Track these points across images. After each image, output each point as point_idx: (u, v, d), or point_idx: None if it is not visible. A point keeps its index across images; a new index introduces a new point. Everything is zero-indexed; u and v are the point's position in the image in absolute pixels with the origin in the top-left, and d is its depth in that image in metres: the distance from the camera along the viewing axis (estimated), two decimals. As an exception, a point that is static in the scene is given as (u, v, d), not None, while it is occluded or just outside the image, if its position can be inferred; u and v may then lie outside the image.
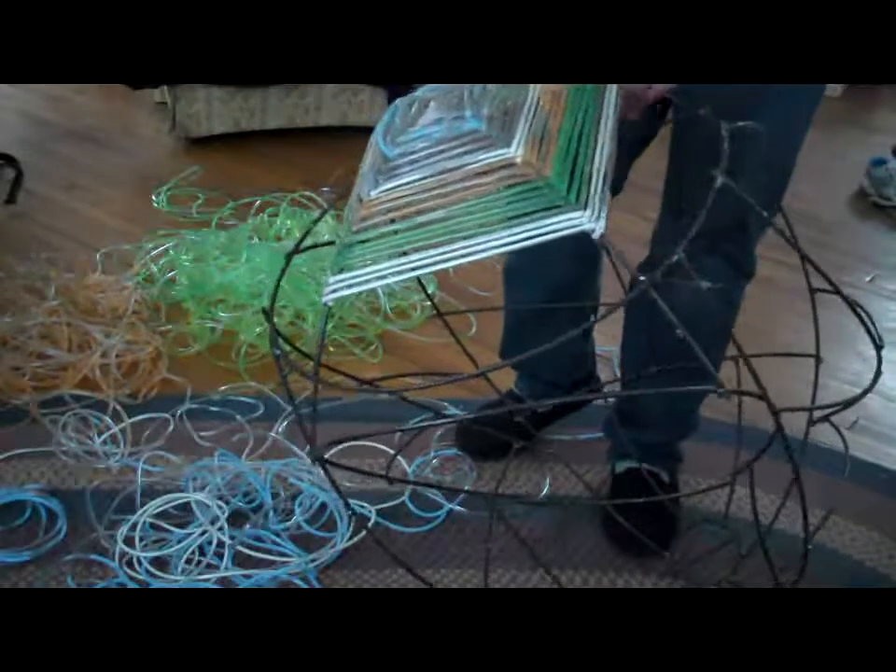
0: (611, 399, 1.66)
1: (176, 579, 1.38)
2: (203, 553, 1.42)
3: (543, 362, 1.53)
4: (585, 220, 0.84)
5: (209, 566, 1.41)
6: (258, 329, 1.94)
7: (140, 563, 1.40)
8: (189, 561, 1.41)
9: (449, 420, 1.73)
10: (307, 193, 2.44)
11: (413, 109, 0.97)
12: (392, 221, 0.93)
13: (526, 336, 1.58)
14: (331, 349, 1.95)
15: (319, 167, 2.63)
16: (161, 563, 1.41)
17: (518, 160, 0.86)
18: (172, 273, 2.12)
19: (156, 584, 1.37)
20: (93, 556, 1.41)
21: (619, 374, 1.87)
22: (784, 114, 1.22)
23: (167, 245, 2.21)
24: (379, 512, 1.53)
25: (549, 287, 1.52)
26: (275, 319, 1.94)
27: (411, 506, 1.56)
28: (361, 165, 0.99)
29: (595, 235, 0.84)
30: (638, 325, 1.48)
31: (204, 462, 1.59)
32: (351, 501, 1.54)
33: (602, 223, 0.84)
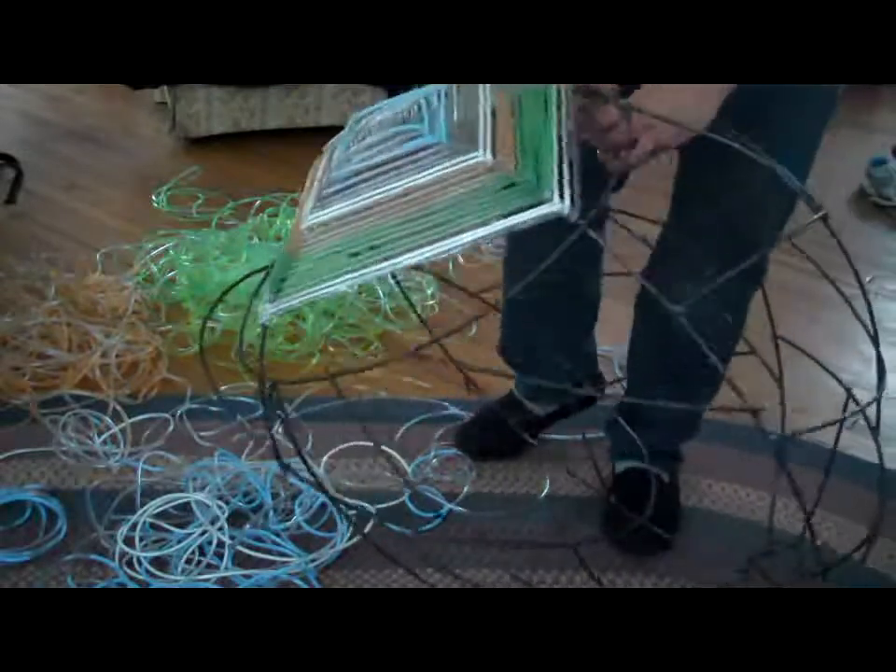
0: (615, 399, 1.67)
1: (176, 579, 1.38)
2: (203, 553, 1.42)
3: (544, 363, 1.53)
4: (557, 204, 0.86)
5: (209, 566, 1.41)
6: (258, 330, 1.93)
7: (140, 563, 1.40)
8: (189, 561, 1.41)
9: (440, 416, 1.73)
10: (307, 193, 2.44)
11: (361, 127, 0.99)
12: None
13: (526, 333, 1.57)
14: (331, 349, 1.95)
15: (319, 167, 2.63)
16: (161, 563, 1.41)
17: (489, 162, 0.88)
18: (172, 273, 2.12)
19: (156, 584, 1.37)
20: (93, 556, 1.41)
21: (619, 374, 1.88)
22: (792, 132, 1.21)
23: (167, 245, 2.21)
24: (379, 512, 1.53)
25: (548, 286, 1.52)
26: (274, 320, 1.96)
27: (410, 506, 1.56)
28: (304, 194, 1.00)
29: (570, 216, 0.86)
30: (649, 327, 1.47)
31: (204, 462, 1.59)
32: (351, 501, 1.55)
33: (569, 204, 0.86)
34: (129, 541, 1.43)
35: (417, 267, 0.91)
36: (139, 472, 1.57)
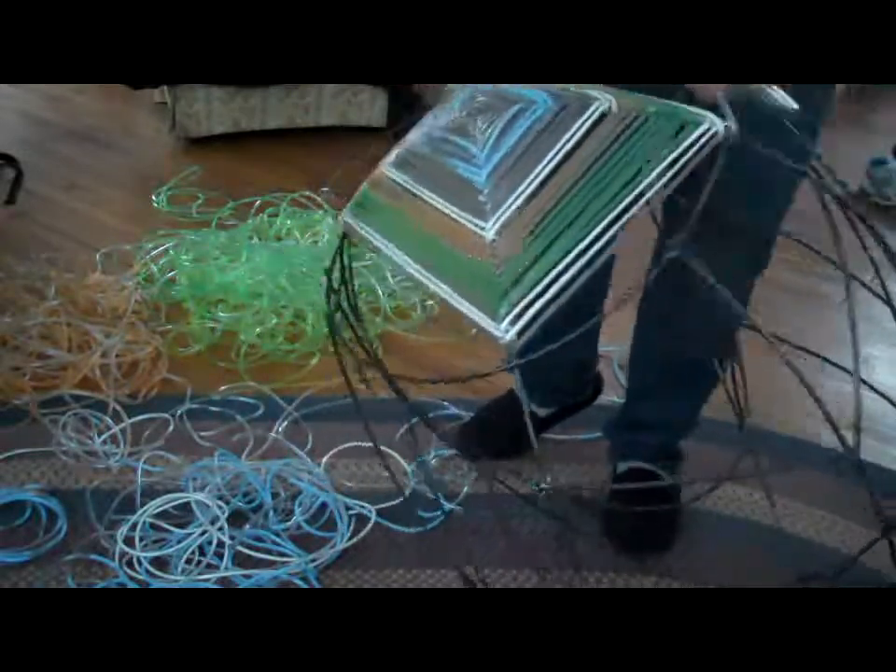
0: (616, 401, 1.66)
1: (176, 579, 1.38)
2: (203, 553, 1.42)
3: (548, 367, 1.53)
4: (717, 124, 0.82)
5: (209, 566, 1.41)
6: (258, 329, 1.94)
7: (140, 563, 1.40)
8: (189, 561, 1.41)
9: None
10: (307, 193, 2.44)
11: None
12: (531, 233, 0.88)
13: (531, 340, 1.55)
14: (331, 349, 1.94)
15: (319, 167, 2.63)
16: (161, 563, 1.41)
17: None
18: (172, 273, 2.12)
19: (156, 584, 1.37)
20: (93, 556, 1.41)
21: (618, 374, 1.88)
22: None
23: (167, 245, 2.21)
24: (379, 512, 1.53)
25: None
26: (274, 320, 1.97)
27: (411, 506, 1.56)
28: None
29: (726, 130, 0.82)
30: (651, 327, 1.47)
31: (204, 462, 1.59)
32: (350, 501, 1.55)
33: (733, 124, 0.82)
34: (129, 541, 1.43)
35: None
36: (139, 472, 1.57)
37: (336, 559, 1.45)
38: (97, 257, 2.16)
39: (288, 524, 1.49)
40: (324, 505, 1.53)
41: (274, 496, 1.53)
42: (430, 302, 2.08)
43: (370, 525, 1.50)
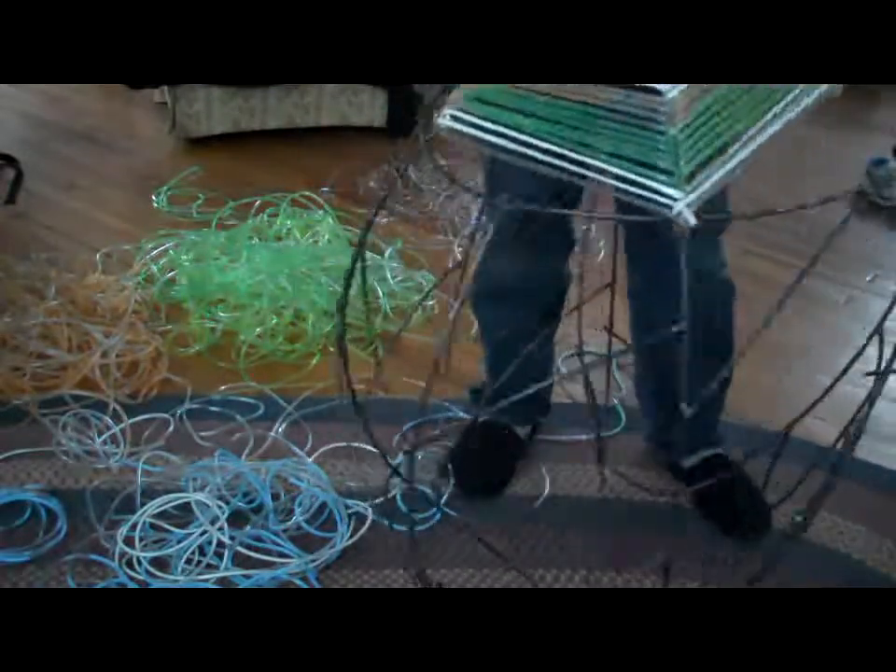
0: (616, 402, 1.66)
1: (176, 579, 1.38)
2: (203, 554, 1.42)
3: (521, 376, 1.51)
4: None
5: (209, 566, 1.41)
6: (257, 329, 1.94)
7: (140, 563, 1.40)
8: (189, 561, 1.41)
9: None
10: (307, 193, 2.44)
11: None
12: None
13: (512, 358, 1.49)
14: (331, 349, 1.95)
15: (319, 167, 2.63)
16: (161, 563, 1.41)
17: None
18: (172, 272, 2.12)
19: (156, 584, 1.37)
20: (93, 556, 1.41)
21: (617, 373, 1.88)
22: None
23: (167, 245, 2.21)
24: (376, 511, 1.53)
25: (543, 308, 1.51)
26: (274, 320, 1.96)
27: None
28: None
29: None
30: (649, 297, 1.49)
31: (204, 462, 1.59)
32: (349, 501, 1.55)
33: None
34: (129, 541, 1.43)
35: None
36: (139, 472, 1.57)
37: (336, 559, 1.45)
38: (97, 257, 2.16)
39: (288, 524, 1.49)
40: (324, 505, 1.53)
41: (274, 496, 1.53)
42: (430, 302, 2.08)
43: (367, 525, 1.50)
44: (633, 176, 0.88)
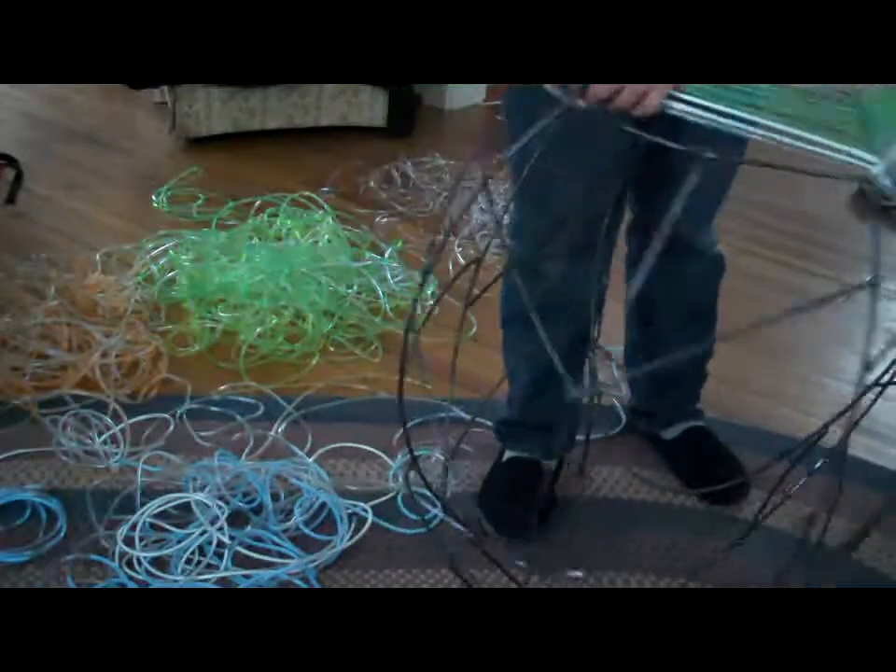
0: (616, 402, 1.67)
1: (176, 579, 1.38)
2: (202, 554, 1.42)
3: (552, 410, 1.49)
4: None
5: (209, 566, 1.41)
6: (257, 329, 1.94)
7: (140, 563, 1.40)
8: (188, 561, 1.41)
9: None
10: (307, 193, 2.44)
11: None
12: None
13: (549, 388, 1.46)
14: (331, 349, 1.95)
15: (319, 167, 2.63)
16: (161, 563, 1.41)
17: None
18: (172, 273, 2.12)
19: (156, 584, 1.37)
20: (93, 556, 1.41)
21: (617, 374, 1.88)
22: None
23: (167, 245, 2.21)
24: (375, 512, 1.53)
25: (579, 330, 1.42)
26: (274, 320, 1.96)
27: (404, 509, 1.56)
28: None
29: None
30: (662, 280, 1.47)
31: (204, 462, 1.58)
32: (347, 502, 1.55)
33: None
34: (129, 541, 1.43)
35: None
36: (139, 472, 1.57)
37: (336, 559, 1.45)
38: (97, 257, 2.16)
39: (288, 524, 1.49)
40: (323, 505, 1.53)
41: (274, 496, 1.53)
42: (431, 302, 2.08)
43: (367, 526, 1.50)
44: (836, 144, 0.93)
